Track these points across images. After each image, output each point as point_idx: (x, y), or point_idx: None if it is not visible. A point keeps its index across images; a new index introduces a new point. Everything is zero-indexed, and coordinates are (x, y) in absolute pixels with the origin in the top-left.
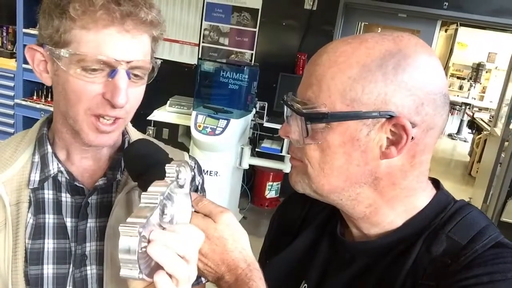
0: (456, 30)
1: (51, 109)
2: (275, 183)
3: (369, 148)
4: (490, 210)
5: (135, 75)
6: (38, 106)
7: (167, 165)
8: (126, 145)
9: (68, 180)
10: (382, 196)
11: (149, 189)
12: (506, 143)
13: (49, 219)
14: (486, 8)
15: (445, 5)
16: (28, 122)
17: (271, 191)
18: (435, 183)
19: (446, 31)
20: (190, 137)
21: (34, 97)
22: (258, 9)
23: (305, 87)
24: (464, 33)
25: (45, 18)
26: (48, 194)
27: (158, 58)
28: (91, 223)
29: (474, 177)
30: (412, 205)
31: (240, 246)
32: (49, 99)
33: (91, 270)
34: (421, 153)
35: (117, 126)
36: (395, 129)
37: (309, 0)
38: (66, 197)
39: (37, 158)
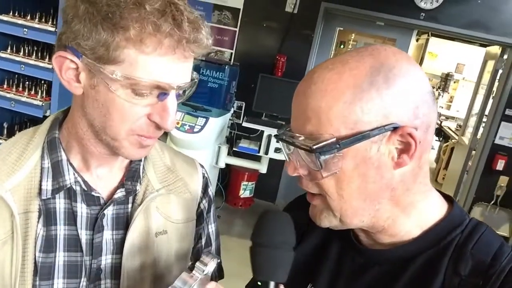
0: (427, 40)
1: (23, 99)
2: (249, 183)
3: (382, 162)
4: None
5: (178, 94)
6: (8, 95)
7: (203, 256)
8: None
9: (84, 190)
10: (398, 205)
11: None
12: (473, 152)
13: (61, 230)
14: (460, 21)
15: (422, 15)
16: None
17: (245, 191)
18: (449, 200)
19: (417, 40)
20: (166, 133)
21: (5, 86)
22: (239, 9)
23: (302, 122)
24: (434, 43)
25: (86, 25)
26: (60, 203)
27: None
28: (107, 235)
29: (440, 183)
30: (426, 211)
31: None
32: (20, 88)
33: (105, 284)
34: (425, 152)
35: (156, 139)
36: (402, 138)
37: (291, 4)
38: (81, 208)
39: (47, 163)
